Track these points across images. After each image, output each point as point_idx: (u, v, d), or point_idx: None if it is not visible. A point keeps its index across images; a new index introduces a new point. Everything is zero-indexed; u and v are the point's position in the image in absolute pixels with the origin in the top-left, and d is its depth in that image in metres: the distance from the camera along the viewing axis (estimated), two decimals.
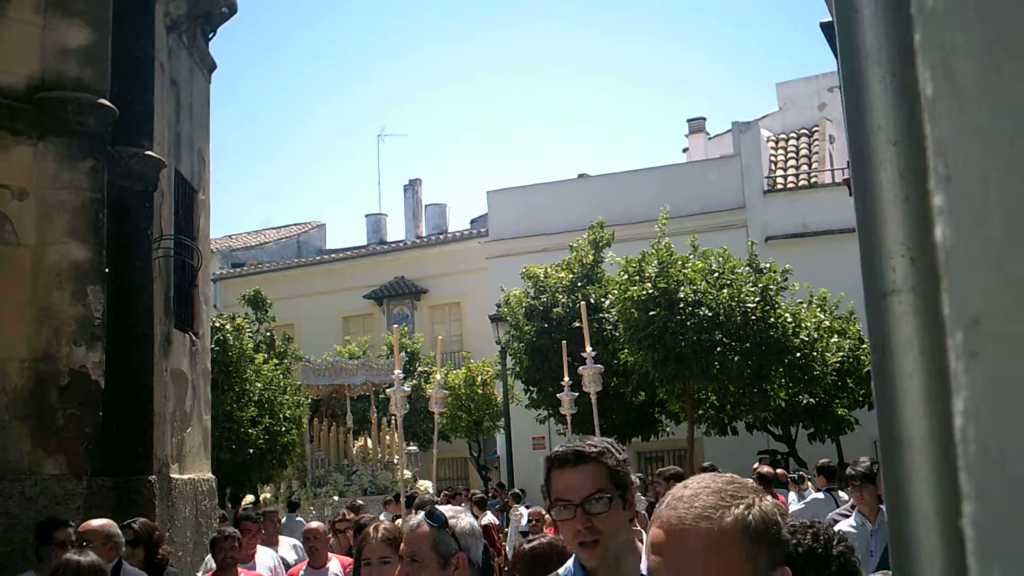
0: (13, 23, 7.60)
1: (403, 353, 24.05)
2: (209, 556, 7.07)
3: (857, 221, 0.81)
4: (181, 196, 9.79)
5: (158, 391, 8.57)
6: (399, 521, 5.19)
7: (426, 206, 38.86)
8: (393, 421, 18.30)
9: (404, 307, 32.73)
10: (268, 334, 22.12)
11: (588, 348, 8.83)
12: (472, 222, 35.91)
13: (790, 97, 31.79)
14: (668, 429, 20.16)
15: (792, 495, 11.75)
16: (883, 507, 5.81)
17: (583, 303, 11.27)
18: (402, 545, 2.93)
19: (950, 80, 0.69)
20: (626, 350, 16.98)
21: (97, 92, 7.78)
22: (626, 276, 16.88)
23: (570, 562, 2.50)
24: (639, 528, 4.18)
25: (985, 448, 0.67)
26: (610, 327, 18.32)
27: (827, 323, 18.00)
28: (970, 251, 0.68)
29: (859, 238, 0.81)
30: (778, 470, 12.43)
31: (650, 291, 16.14)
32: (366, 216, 39.52)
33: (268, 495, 19.51)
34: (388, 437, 20.12)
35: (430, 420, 20.48)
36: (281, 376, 19.09)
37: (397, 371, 7.88)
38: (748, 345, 15.86)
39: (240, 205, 73.72)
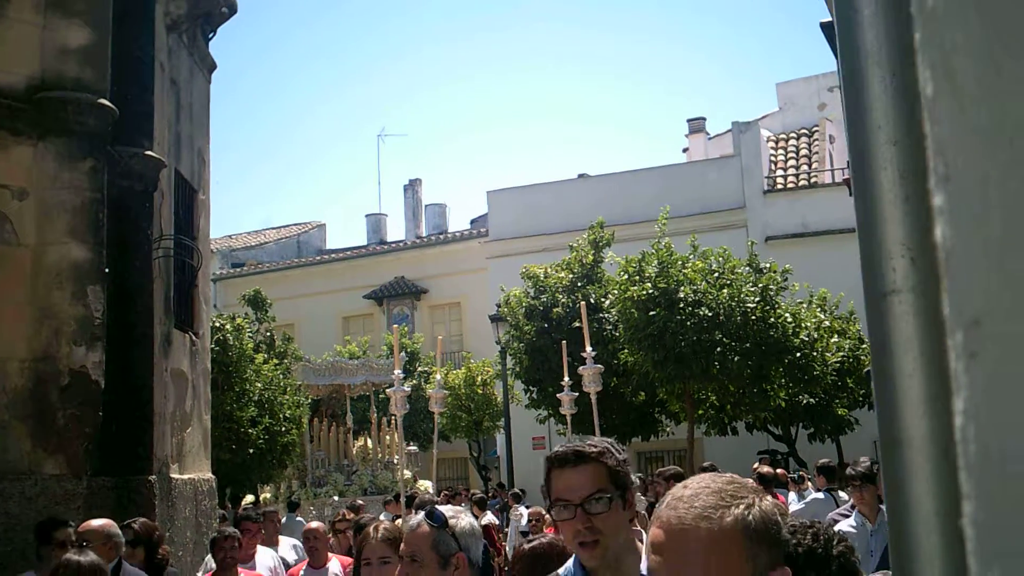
0: (13, 23, 7.60)
1: (403, 353, 24.05)
2: (209, 556, 7.07)
3: (857, 221, 0.81)
4: (181, 196, 9.78)
5: (158, 391, 8.57)
6: (399, 521, 5.19)
7: (426, 206, 38.87)
8: (393, 421, 18.31)
9: (404, 307, 32.73)
10: (268, 334, 22.12)
11: (588, 348, 8.83)
12: (472, 222, 35.90)
13: (790, 97, 31.78)
14: (668, 429, 20.16)
15: (792, 495, 11.75)
16: (883, 507, 5.82)
17: (583, 303, 11.27)
18: (402, 545, 2.93)
19: (950, 79, 0.69)
20: (626, 350, 16.98)
21: (97, 92, 7.78)
22: (626, 276, 16.87)
23: (570, 562, 2.50)
24: (639, 528, 4.17)
25: (985, 448, 0.67)
26: (610, 327, 18.32)
27: (827, 323, 17.99)
28: (970, 251, 0.68)
29: (859, 238, 0.81)
30: (778, 470, 12.43)
31: (650, 291, 16.14)
32: (366, 216, 39.54)
33: (268, 495, 19.51)
34: (388, 437, 20.12)
35: (430, 420, 20.48)
36: (281, 376, 19.09)
37: (397, 371, 7.88)
38: (748, 345, 15.86)
39: (240, 205, 73.82)
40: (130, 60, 8.40)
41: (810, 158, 28.68)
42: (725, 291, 16.07)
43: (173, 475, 8.85)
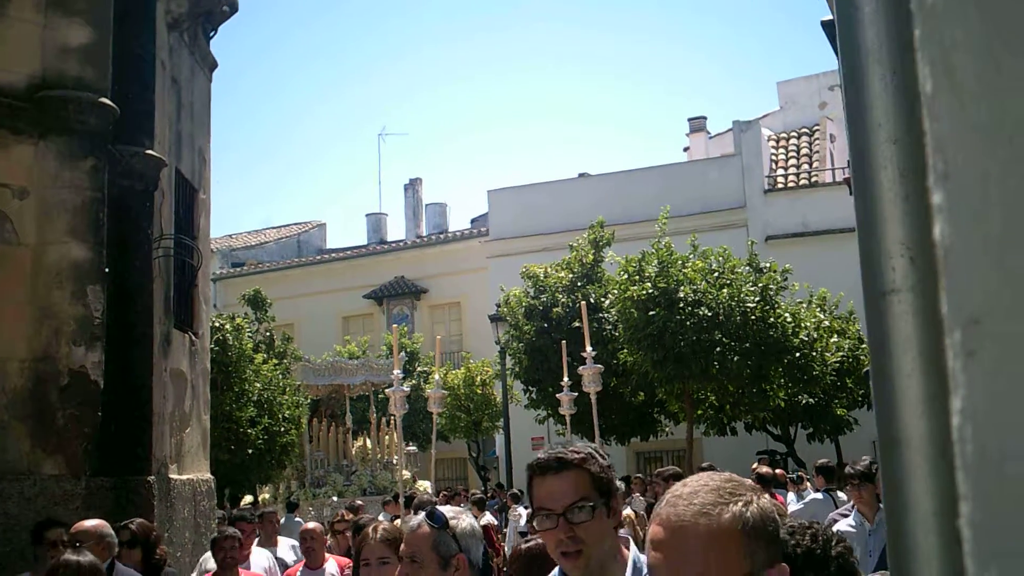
0: (14, 22, 7.60)
1: (403, 353, 24.05)
2: (204, 557, 7.07)
3: (857, 220, 0.81)
4: (181, 195, 9.78)
5: (157, 391, 8.56)
6: (398, 522, 5.19)
7: (426, 206, 38.87)
8: (392, 421, 18.29)
9: (404, 307, 32.73)
10: (268, 334, 22.12)
11: (588, 348, 8.82)
12: (472, 222, 35.89)
13: (791, 96, 31.76)
14: (667, 429, 20.16)
15: (791, 495, 11.75)
16: (882, 506, 5.81)
17: (583, 303, 11.26)
18: (402, 546, 2.92)
19: (950, 76, 0.69)
20: (626, 350, 16.98)
21: (98, 91, 7.77)
22: (626, 276, 16.88)
23: (555, 571, 2.43)
24: (626, 535, 4.15)
25: (983, 448, 0.67)
26: (610, 327, 18.32)
27: (827, 323, 18.00)
28: (969, 249, 0.68)
29: (859, 237, 0.81)
30: (777, 470, 12.43)
31: (650, 291, 16.14)
32: (366, 216, 39.55)
33: (267, 495, 19.50)
34: (387, 437, 20.11)
35: (429, 420, 20.37)
36: (280, 376, 19.09)
37: (396, 371, 7.88)
38: (748, 345, 15.86)
39: (240, 205, 73.79)
40: (131, 59, 8.39)
41: (811, 157, 28.68)
42: (725, 291, 16.07)
43: (172, 475, 8.84)
